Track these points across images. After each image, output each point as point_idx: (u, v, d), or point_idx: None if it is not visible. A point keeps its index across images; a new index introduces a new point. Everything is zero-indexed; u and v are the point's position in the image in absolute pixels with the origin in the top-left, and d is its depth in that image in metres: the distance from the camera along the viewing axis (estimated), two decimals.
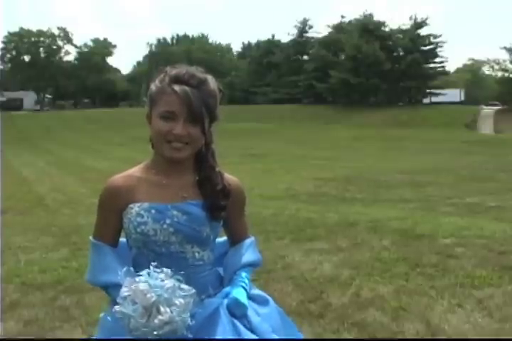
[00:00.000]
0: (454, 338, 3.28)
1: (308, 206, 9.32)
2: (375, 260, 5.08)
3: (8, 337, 3.47)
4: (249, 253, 1.68)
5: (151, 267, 1.37)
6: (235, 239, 1.72)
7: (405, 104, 58.56)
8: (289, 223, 6.94)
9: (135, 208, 1.53)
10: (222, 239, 1.74)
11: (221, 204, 1.58)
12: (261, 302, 1.63)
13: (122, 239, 1.63)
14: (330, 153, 26.26)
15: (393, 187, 12.55)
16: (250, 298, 1.59)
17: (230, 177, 1.67)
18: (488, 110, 53.61)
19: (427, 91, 63.36)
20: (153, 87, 1.54)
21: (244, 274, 1.63)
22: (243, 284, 1.59)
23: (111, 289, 1.50)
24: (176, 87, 1.48)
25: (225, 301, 1.53)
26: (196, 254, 1.58)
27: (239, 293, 1.55)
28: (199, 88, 1.49)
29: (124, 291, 1.33)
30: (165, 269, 1.36)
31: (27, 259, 5.51)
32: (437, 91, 63.05)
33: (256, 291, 1.66)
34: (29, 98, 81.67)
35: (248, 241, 1.72)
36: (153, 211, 1.52)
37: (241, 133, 41.80)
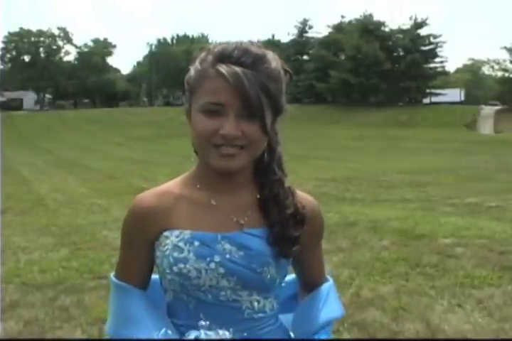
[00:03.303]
0: (454, 338, 3.29)
1: None
2: (375, 260, 5.08)
3: (8, 337, 3.47)
4: (328, 306, 1.24)
5: (201, 330, 1.02)
6: (308, 282, 1.29)
7: (405, 104, 58.51)
8: None
9: (171, 237, 1.11)
10: (289, 277, 1.29)
11: (293, 235, 1.13)
12: None
13: (155, 276, 1.21)
14: (330, 153, 26.23)
15: (393, 187, 12.53)
16: None
17: (303, 196, 1.24)
18: (488, 110, 53.54)
19: (427, 91, 63.27)
20: (192, 70, 1.10)
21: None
22: None
23: None
24: (222, 68, 1.03)
25: None
26: (255, 304, 1.14)
27: None
28: (255, 68, 1.04)
29: None
30: (221, 331, 1.01)
31: (27, 259, 5.51)
32: (437, 91, 62.99)
33: None
34: (29, 98, 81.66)
35: (325, 287, 1.27)
36: (196, 243, 1.09)
37: None
